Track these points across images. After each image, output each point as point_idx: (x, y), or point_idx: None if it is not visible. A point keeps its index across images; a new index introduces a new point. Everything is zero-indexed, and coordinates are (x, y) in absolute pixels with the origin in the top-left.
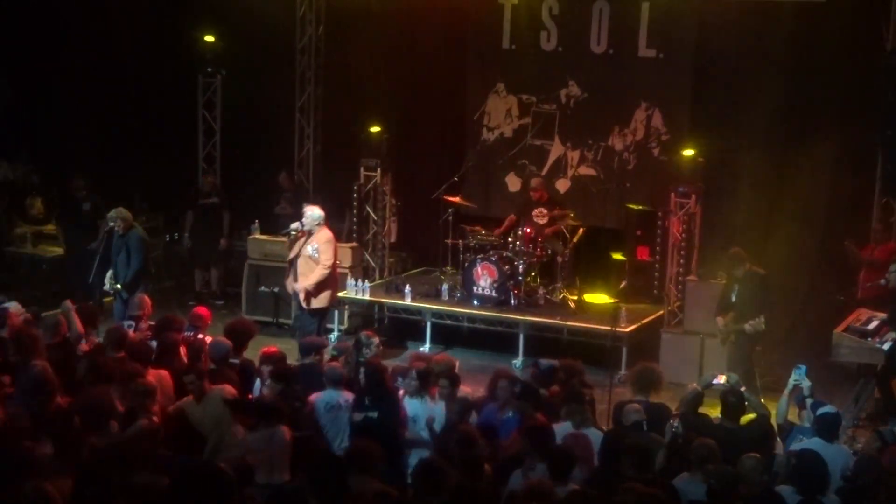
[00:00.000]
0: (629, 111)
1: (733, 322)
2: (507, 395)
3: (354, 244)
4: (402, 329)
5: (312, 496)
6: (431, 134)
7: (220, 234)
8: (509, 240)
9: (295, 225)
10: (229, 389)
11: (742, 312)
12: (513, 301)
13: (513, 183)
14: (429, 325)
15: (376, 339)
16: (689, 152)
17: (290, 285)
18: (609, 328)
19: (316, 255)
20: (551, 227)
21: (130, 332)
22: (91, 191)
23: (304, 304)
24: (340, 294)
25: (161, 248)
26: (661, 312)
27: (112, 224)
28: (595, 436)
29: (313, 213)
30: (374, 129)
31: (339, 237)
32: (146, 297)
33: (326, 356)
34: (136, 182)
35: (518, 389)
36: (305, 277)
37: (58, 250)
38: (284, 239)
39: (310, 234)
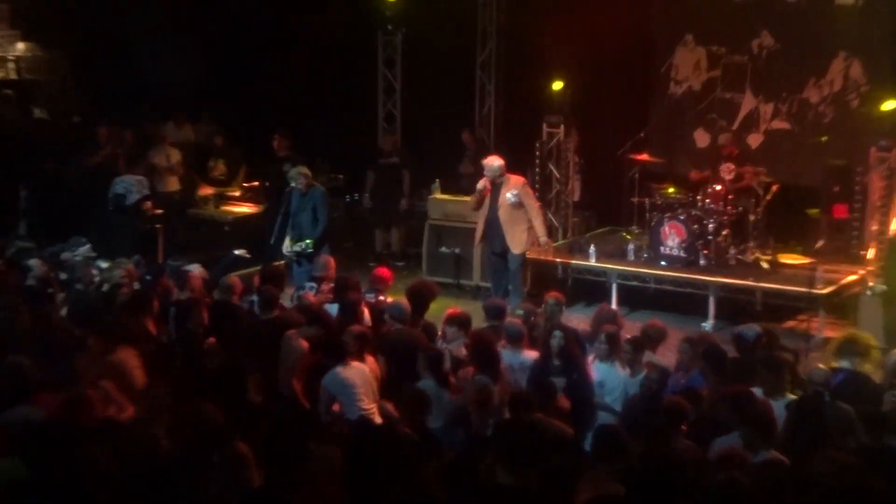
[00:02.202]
0: (826, 62)
1: None
2: (688, 358)
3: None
4: (587, 290)
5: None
6: (616, 89)
7: (400, 194)
8: (698, 197)
9: (481, 184)
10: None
11: None
12: (702, 261)
13: (701, 138)
14: (614, 286)
15: (557, 299)
16: (890, 104)
17: (493, 245)
18: (805, 289)
19: (517, 199)
20: (742, 184)
21: (310, 294)
22: (292, 150)
23: (545, 251)
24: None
25: (341, 209)
26: (861, 273)
27: (294, 183)
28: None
29: (493, 164)
30: (557, 85)
31: None
32: (331, 259)
33: (510, 318)
34: (316, 142)
35: (702, 350)
36: (515, 225)
37: (244, 210)
38: (468, 198)
39: (498, 185)
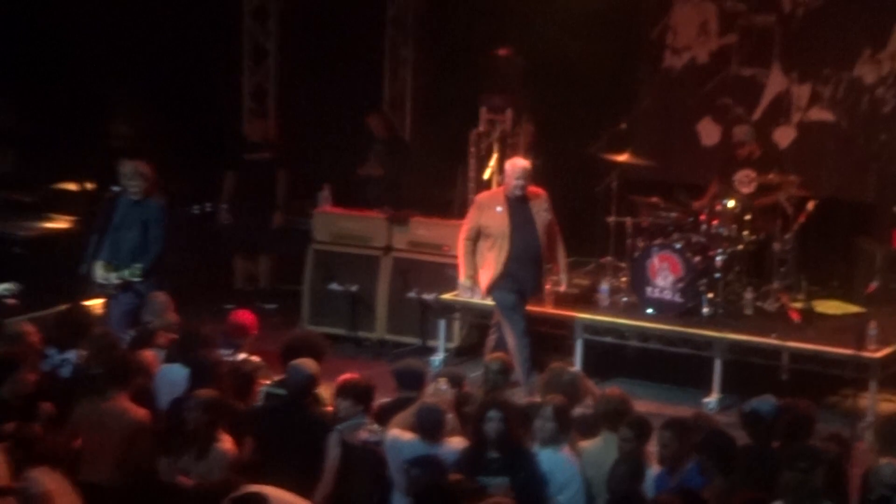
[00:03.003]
0: (886, 26)
1: None
2: (675, 451)
3: None
4: (541, 348)
5: None
6: (587, 60)
7: (272, 204)
8: (702, 218)
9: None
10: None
11: None
12: (705, 309)
13: (709, 132)
14: (579, 343)
15: (507, 365)
16: None
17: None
18: (851, 351)
19: (548, 215)
20: (766, 199)
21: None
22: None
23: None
24: (448, 296)
25: (184, 226)
26: None
27: (129, 186)
28: None
29: (520, 166)
30: (502, 51)
31: (447, 211)
32: (166, 297)
33: (429, 389)
34: (153, 129)
35: (701, 438)
36: (557, 250)
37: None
38: (368, 214)
39: (520, 199)
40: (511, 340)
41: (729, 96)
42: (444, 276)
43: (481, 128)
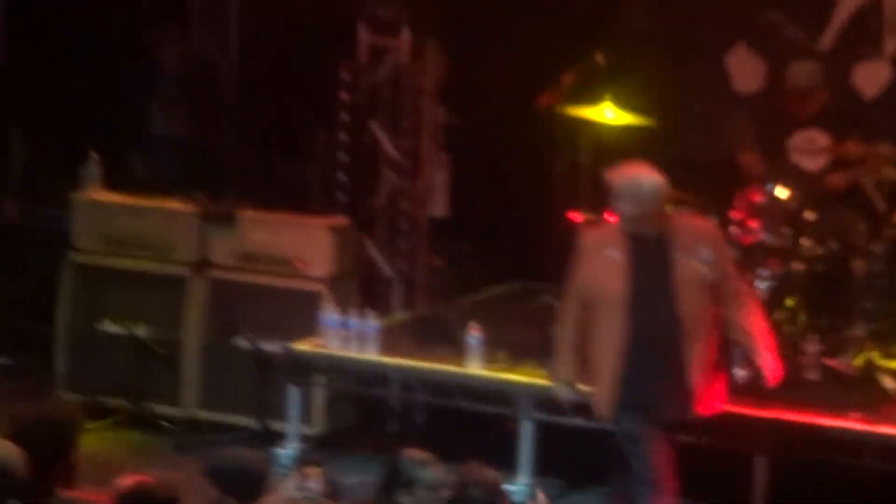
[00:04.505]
0: None
1: None
2: None
3: (339, 220)
4: (462, 439)
5: None
6: None
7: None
8: (733, 217)
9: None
10: None
11: None
12: (738, 370)
13: (745, 70)
14: (527, 428)
15: (433, 471)
16: None
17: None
18: None
19: (710, 273)
20: (840, 182)
21: None
22: None
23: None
24: (306, 346)
25: None
26: None
27: None
28: None
29: (646, 184)
30: None
31: (301, 201)
32: None
33: (278, 496)
34: None
35: None
36: (705, 341)
37: None
38: (168, 204)
39: (646, 239)
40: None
41: (779, 10)
42: (296, 311)
43: (360, 59)
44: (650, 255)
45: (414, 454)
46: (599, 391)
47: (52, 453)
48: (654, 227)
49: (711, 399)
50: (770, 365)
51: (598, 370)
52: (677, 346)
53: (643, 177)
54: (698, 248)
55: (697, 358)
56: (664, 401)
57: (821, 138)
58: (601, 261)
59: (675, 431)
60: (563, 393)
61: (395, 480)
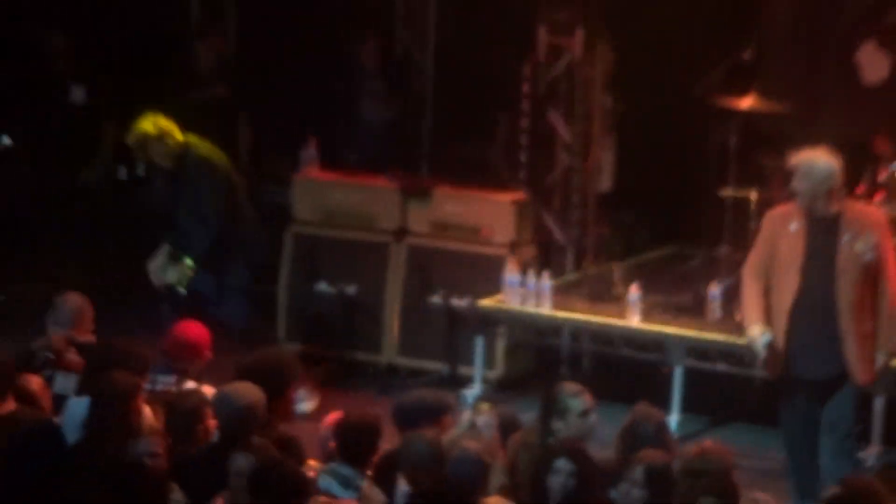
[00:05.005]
0: None
1: None
2: None
3: (519, 194)
4: (623, 381)
5: None
6: None
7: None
8: (856, 190)
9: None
10: None
11: None
12: None
13: (874, 65)
14: (678, 373)
15: (585, 401)
16: None
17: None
18: None
19: (871, 256)
20: None
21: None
22: None
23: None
24: (489, 303)
25: (107, 191)
26: None
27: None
28: None
29: (817, 167)
30: None
31: (486, 178)
32: (83, 302)
33: (455, 430)
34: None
35: None
36: (864, 319)
37: None
38: (372, 182)
39: (818, 220)
40: None
41: None
42: (481, 272)
43: (540, 56)
44: (823, 232)
45: (569, 386)
46: (774, 346)
47: (272, 393)
48: (831, 209)
49: (866, 369)
50: (865, 365)
51: (774, 327)
52: (834, 318)
53: (818, 159)
54: (864, 233)
55: (849, 330)
56: (816, 363)
57: None
58: (784, 232)
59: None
60: (756, 345)
61: (551, 409)
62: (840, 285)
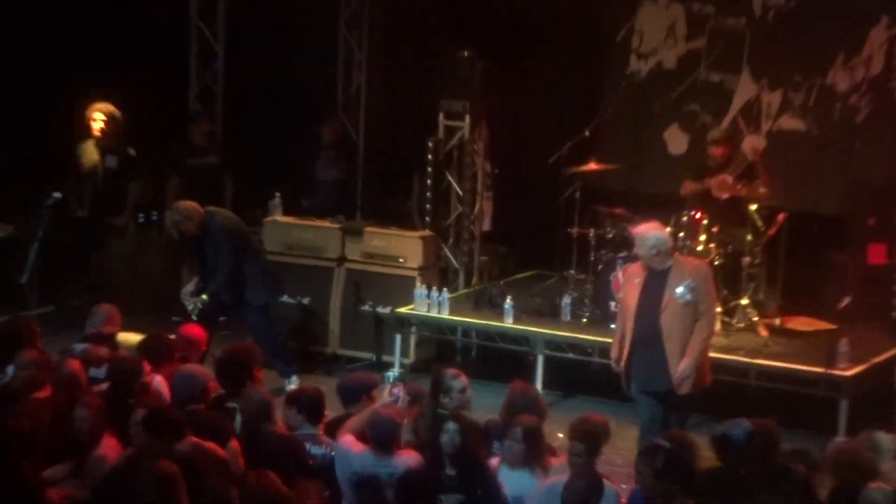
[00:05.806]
0: (861, 31)
1: None
2: (650, 479)
3: (426, 233)
4: (500, 365)
5: None
6: (552, 63)
7: None
8: (667, 229)
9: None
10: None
11: None
12: None
13: (675, 140)
14: (540, 360)
15: (463, 381)
16: None
17: (681, 369)
18: (821, 369)
19: (690, 297)
20: (732, 210)
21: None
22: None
23: (680, 391)
24: (404, 310)
25: (132, 232)
26: None
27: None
28: None
29: (651, 237)
30: (462, 54)
31: (403, 221)
32: (112, 309)
33: (380, 401)
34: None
35: (660, 465)
36: (684, 342)
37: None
38: (321, 223)
39: (656, 272)
40: None
41: (696, 102)
42: (399, 288)
43: (440, 134)
44: (656, 282)
45: (450, 371)
46: (624, 368)
47: (244, 373)
48: (665, 264)
49: (685, 381)
50: (680, 369)
51: (626, 354)
52: (660, 345)
53: (648, 231)
54: (685, 280)
55: (674, 354)
56: (650, 379)
57: (729, 179)
58: (631, 285)
59: (663, 400)
60: (614, 365)
61: (438, 389)
62: (663, 320)
